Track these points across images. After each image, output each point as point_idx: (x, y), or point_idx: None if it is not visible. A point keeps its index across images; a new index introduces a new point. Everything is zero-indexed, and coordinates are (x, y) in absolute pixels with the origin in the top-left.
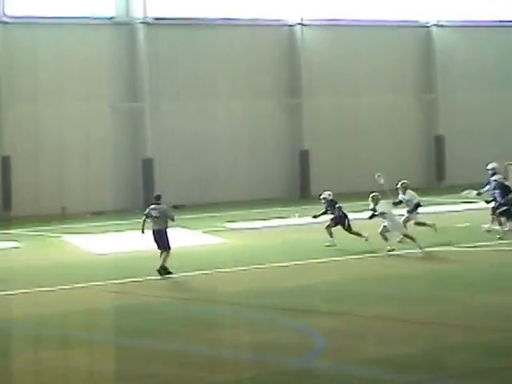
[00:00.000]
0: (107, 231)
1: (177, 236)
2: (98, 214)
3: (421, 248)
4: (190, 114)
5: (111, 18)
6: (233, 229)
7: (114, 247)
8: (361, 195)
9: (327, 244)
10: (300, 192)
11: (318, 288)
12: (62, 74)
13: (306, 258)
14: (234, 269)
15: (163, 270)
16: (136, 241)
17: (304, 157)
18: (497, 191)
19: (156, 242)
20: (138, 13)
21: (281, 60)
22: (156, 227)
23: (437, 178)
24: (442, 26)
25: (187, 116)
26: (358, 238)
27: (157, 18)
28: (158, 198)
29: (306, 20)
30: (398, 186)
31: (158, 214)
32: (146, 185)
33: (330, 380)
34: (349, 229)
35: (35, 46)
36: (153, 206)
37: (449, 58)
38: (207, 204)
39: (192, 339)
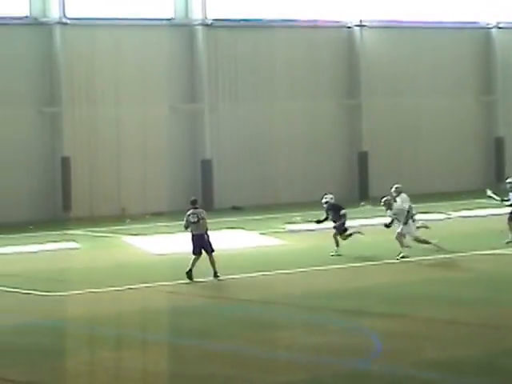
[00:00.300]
0: (166, 232)
1: (236, 237)
2: (156, 215)
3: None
4: (249, 115)
5: (170, 19)
6: (292, 230)
7: (172, 248)
8: (420, 197)
9: (332, 254)
10: (359, 194)
11: (373, 290)
12: (120, 74)
13: (362, 260)
14: (292, 270)
15: (215, 276)
16: None
17: (363, 158)
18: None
19: (194, 246)
20: (196, 14)
21: (340, 61)
22: (196, 232)
23: (496, 179)
24: (502, 27)
25: (246, 117)
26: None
27: (216, 20)
28: (195, 202)
29: (365, 21)
30: (392, 189)
31: (196, 219)
32: (204, 186)
33: (387, 382)
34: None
35: (94, 47)
36: (190, 212)
37: (509, 59)
38: (266, 205)
39: (249, 340)
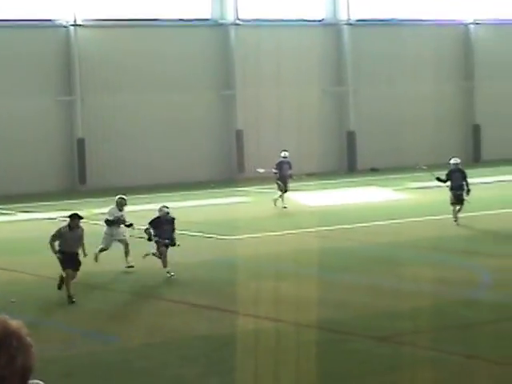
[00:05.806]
0: (318, 189)
1: (370, 193)
2: (310, 175)
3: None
4: (385, 97)
5: (321, 20)
6: (417, 188)
7: (326, 201)
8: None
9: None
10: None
11: (484, 236)
12: (280, 65)
13: (475, 210)
14: (412, 219)
15: None
16: (346, 196)
17: (350, 138)
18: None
19: None
20: (343, 15)
21: (456, 55)
22: None
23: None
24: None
25: (384, 98)
26: None
27: (359, 20)
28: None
29: (478, 20)
30: (116, 198)
31: None
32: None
33: (495, 307)
34: None
35: (260, 44)
36: None
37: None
38: (396, 168)
39: (381, 274)
